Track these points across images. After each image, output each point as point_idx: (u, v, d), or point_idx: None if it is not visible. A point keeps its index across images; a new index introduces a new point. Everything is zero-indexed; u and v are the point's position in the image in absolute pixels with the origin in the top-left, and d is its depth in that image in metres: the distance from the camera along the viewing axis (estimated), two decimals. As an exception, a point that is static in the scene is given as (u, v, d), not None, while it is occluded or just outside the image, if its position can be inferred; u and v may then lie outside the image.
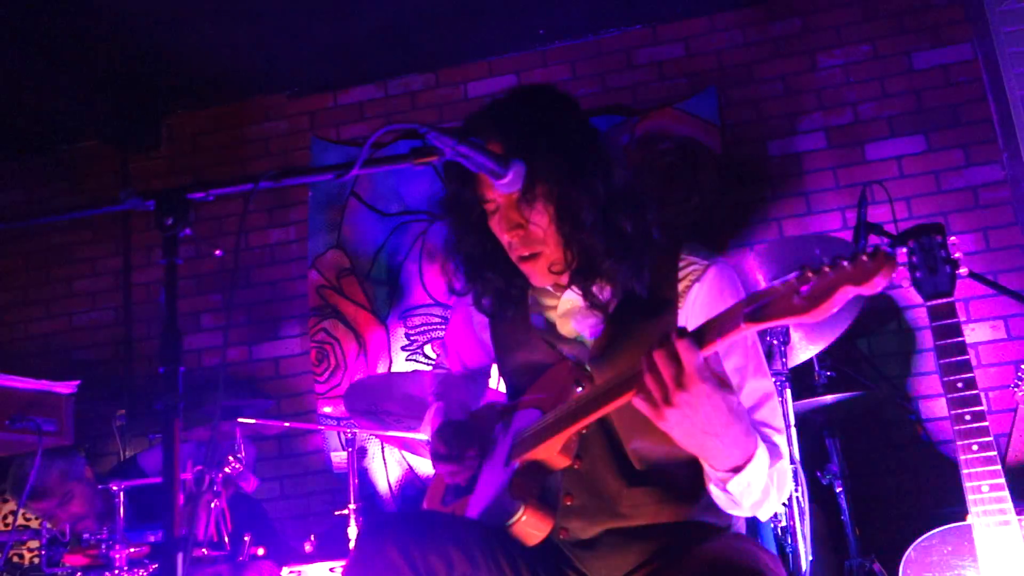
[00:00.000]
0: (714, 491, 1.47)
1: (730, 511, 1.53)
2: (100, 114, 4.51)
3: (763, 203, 3.96)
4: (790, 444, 2.70)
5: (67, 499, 3.29)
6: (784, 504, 2.67)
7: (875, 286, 1.09)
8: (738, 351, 1.56)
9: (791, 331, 2.98)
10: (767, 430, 1.54)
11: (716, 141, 4.02)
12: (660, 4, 4.10)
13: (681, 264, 1.62)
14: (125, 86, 4.33)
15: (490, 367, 1.99)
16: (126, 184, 4.58)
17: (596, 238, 1.56)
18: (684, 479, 1.55)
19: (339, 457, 4.05)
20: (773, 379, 2.67)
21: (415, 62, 4.39)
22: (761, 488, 1.44)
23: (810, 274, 1.13)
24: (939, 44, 3.89)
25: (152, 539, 2.89)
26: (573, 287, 1.64)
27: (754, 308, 1.19)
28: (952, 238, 2.33)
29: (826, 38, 4.03)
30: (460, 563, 1.43)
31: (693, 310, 1.59)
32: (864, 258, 1.09)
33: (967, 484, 2.13)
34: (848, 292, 1.10)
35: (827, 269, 1.12)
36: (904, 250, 2.35)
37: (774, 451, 1.50)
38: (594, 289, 1.62)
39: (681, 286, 1.60)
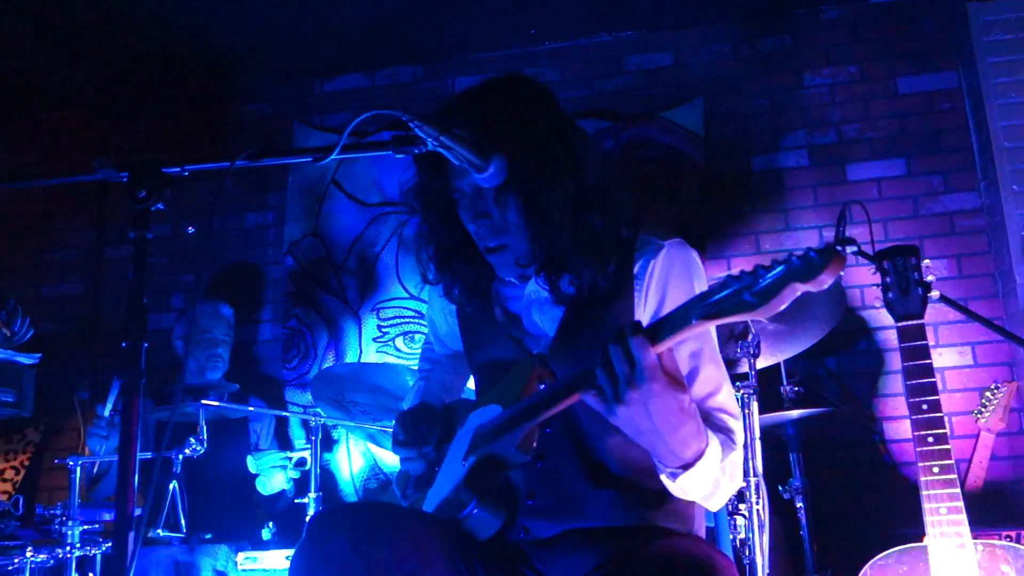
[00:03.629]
0: (665, 480, 1.47)
1: (680, 497, 1.53)
2: (81, 85, 4.45)
3: (743, 217, 3.98)
4: (754, 457, 2.72)
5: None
6: (744, 516, 2.68)
7: (821, 283, 1.09)
8: (695, 337, 1.56)
9: (761, 342, 3.00)
10: (723, 415, 1.56)
11: (700, 152, 4.04)
12: (652, 13, 4.11)
13: (637, 246, 1.62)
14: (108, 59, 4.27)
15: None
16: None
17: (564, 233, 1.56)
18: (650, 482, 1.54)
19: (302, 445, 4.02)
20: (737, 384, 2.68)
21: (404, 54, 4.37)
22: (712, 482, 1.45)
23: (761, 271, 1.14)
24: (925, 70, 3.94)
25: (107, 517, 2.85)
26: (538, 280, 1.64)
27: (706, 305, 1.20)
28: (926, 261, 2.35)
29: (814, 57, 4.06)
30: (412, 556, 1.41)
31: (650, 291, 1.60)
32: (812, 254, 1.09)
33: (926, 505, 2.15)
34: (796, 288, 1.10)
35: (776, 265, 1.13)
36: (878, 272, 2.37)
37: (727, 441, 1.51)
38: (560, 283, 1.61)
39: (636, 267, 1.60)
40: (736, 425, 1.56)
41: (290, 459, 3.34)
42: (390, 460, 4.01)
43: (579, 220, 1.56)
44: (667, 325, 1.27)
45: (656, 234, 1.64)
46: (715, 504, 1.53)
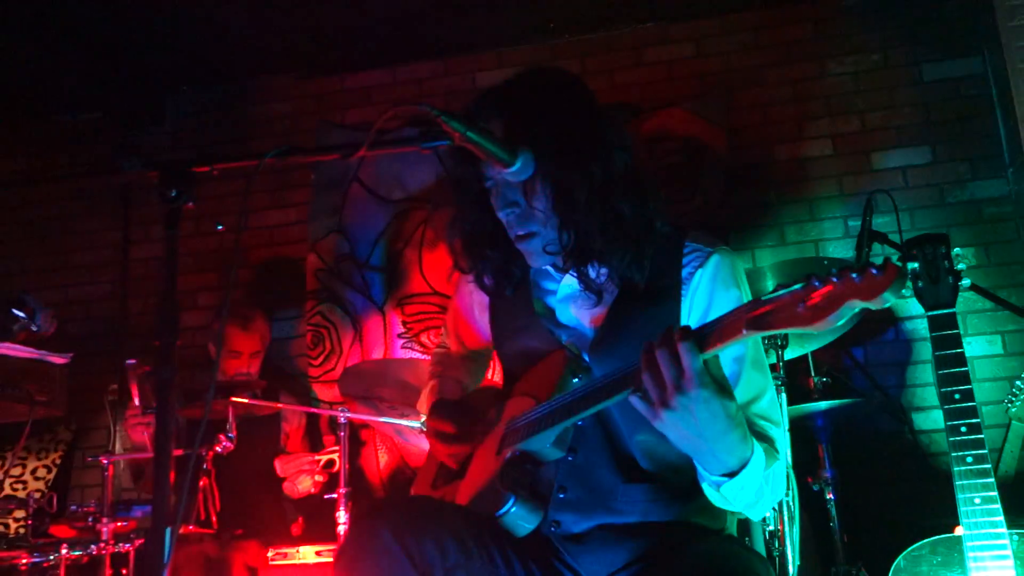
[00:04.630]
0: (707, 489, 1.46)
1: (722, 507, 1.52)
2: (103, 87, 4.47)
3: (767, 207, 3.95)
4: (783, 448, 2.70)
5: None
6: (774, 508, 2.67)
7: (883, 301, 1.05)
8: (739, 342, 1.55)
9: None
10: (765, 423, 1.54)
11: (722, 143, 4.01)
12: (671, 3, 4.09)
13: (685, 251, 1.61)
14: (129, 60, 4.29)
15: (490, 350, 1.98)
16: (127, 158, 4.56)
17: (591, 220, 1.55)
18: (682, 477, 1.53)
19: (330, 442, 4.04)
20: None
21: (424, 49, 4.37)
22: (754, 491, 1.43)
23: (816, 283, 1.11)
24: (949, 56, 3.89)
25: (139, 513, 2.88)
26: (569, 270, 1.63)
27: (757, 315, 1.17)
28: (956, 250, 2.33)
29: (837, 45, 4.02)
30: (453, 551, 1.41)
31: (696, 297, 1.59)
32: (873, 271, 1.05)
33: (960, 495, 2.13)
34: (854, 305, 1.07)
35: (834, 280, 1.09)
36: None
37: (770, 449, 1.49)
38: (591, 273, 1.61)
39: (684, 272, 1.59)
40: (778, 434, 1.54)
41: (318, 462, 3.35)
42: (416, 456, 4.02)
43: (606, 207, 1.55)
44: (716, 331, 1.24)
45: (702, 240, 1.63)
46: (757, 514, 1.50)
